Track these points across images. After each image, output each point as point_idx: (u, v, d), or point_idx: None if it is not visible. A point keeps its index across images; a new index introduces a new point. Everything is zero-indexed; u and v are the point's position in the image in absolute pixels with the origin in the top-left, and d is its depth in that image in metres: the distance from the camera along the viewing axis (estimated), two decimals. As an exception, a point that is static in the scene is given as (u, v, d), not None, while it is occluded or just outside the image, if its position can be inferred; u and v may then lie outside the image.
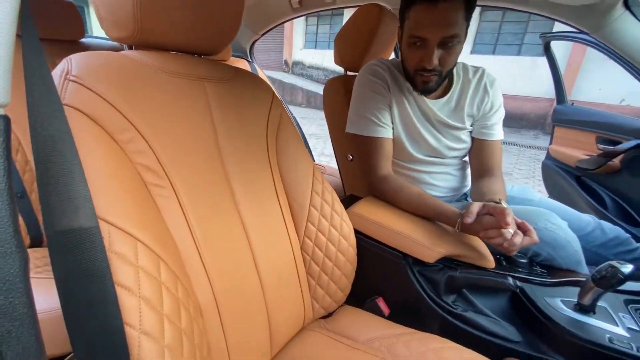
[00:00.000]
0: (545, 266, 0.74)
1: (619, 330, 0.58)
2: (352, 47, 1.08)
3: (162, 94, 0.50)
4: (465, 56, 7.99)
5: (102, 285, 0.33)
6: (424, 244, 0.70)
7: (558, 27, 6.75)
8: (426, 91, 0.83)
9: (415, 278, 0.73)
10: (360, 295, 0.79)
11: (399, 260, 0.74)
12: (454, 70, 0.89)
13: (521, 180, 3.77)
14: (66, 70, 0.42)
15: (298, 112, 7.70)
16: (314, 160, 2.04)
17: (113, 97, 0.43)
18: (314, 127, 6.17)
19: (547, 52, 1.87)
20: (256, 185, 0.63)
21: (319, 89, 9.03)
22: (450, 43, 0.73)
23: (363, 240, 0.79)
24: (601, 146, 1.54)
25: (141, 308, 0.36)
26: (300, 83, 9.49)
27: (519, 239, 0.60)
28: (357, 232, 0.78)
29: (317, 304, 0.73)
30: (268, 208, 0.65)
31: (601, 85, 6.38)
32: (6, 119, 0.21)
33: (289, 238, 0.68)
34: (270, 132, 0.68)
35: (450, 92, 0.88)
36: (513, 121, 7.45)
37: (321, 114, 7.56)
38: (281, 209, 0.68)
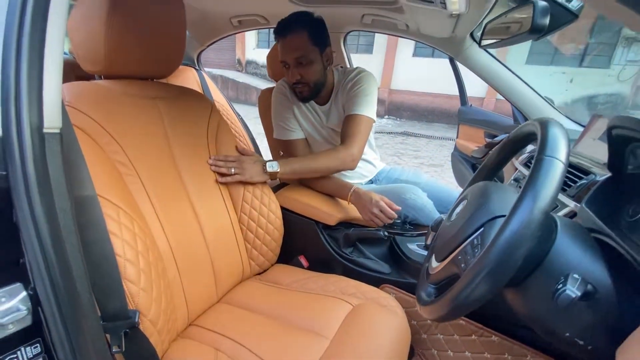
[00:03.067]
0: (413, 224, 1.07)
1: (446, 258, 0.91)
2: (279, 64, 1.33)
3: (127, 111, 0.72)
4: (408, 59, 8.70)
5: (102, 231, 0.55)
6: (326, 212, 0.98)
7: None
8: (304, 99, 1.10)
9: (324, 238, 1.01)
10: (288, 255, 1.06)
11: (312, 227, 1.02)
12: (335, 79, 1.12)
13: (450, 171, 4.30)
14: (62, 97, 0.62)
15: (253, 112, 7.77)
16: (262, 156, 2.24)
17: (96, 116, 0.64)
18: (268, 126, 6.33)
19: (452, 63, 2.28)
20: (201, 176, 0.86)
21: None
22: (302, 62, 1.01)
23: (288, 214, 1.05)
24: (487, 139, 1.96)
25: (124, 246, 0.58)
26: (254, 82, 9.56)
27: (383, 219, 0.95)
28: (283, 208, 1.04)
29: (253, 262, 0.98)
30: (210, 192, 0.89)
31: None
32: (61, 135, 0.43)
33: (228, 214, 0.92)
34: (211, 135, 0.91)
35: (331, 98, 1.14)
36: (451, 118, 8.26)
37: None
38: (221, 192, 0.91)
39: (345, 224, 1.03)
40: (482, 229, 0.45)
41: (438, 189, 1.30)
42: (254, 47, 11.03)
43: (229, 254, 0.91)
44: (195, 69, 1.95)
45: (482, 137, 2.05)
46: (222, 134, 0.94)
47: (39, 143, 0.40)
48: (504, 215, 0.45)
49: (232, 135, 0.98)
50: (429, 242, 0.94)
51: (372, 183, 1.35)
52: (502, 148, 0.60)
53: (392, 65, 8.93)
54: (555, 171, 0.36)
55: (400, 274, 0.94)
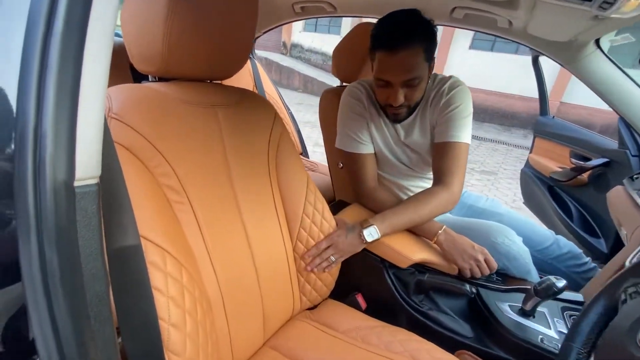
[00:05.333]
0: (501, 274, 0.87)
1: (551, 333, 0.72)
2: (348, 61, 1.15)
3: (181, 123, 0.59)
4: (464, 51, 8.04)
5: (144, 290, 0.43)
6: (399, 252, 0.81)
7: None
8: (397, 121, 0.92)
9: (390, 279, 0.85)
10: (342, 291, 0.91)
11: (377, 264, 0.86)
12: None
13: (505, 181, 3.94)
14: (108, 107, 0.50)
15: (294, 97, 7.67)
16: (306, 152, 2.11)
17: (145, 130, 0.52)
18: (309, 114, 6.18)
19: (535, 65, 1.96)
20: (258, 198, 0.73)
21: (316, 73, 8.96)
22: (412, 83, 0.81)
23: (348, 244, 0.89)
24: (574, 160, 1.67)
25: (169, 305, 0.46)
26: (298, 67, 9.39)
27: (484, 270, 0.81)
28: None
29: (304, 297, 0.85)
30: (267, 216, 0.75)
31: (593, 89, 6.53)
32: (99, 186, 0.30)
33: (283, 242, 0.79)
34: (272, 149, 0.77)
35: (416, 111, 0.93)
36: (504, 119, 7.61)
37: (317, 100, 7.54)
38: (278, 217, 0.78)
39: (418, 266, 0.85)
40: None
41: (521, 224, 1.07)
42: (301, 30, 10.79)
43: (280, 289, 0.78)
44: (249, 57, 1.81)
45: (567, 157, 1.75)
46: (283, 148, 0.80)
47: (66, 204, 0.27)
48: None
49: (293, 148, 0.83)
50: (528, 307, 0.75)
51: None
52: None
53: (446, 57, 8.30)
54: None
55: (484, 340, 0.76)
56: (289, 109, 2.00)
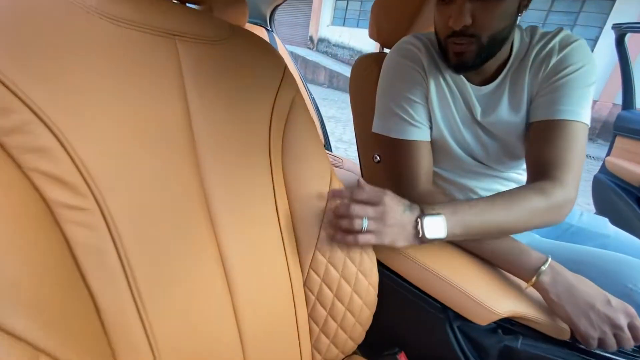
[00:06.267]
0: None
1: None
2: (394, 17, 0.84)
3: (97, 54, 0.30)
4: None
5: None
6: (478, 302, 0.50)
7: (612, 19, 6.08)
8: (461, 67, 0.58)
9: (455, 338, 0.54)
10: (376, 345, 0.61)
11: (435, 312, 0.55)
12: (514, 43, 0.61)
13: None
14: None
15: (319, 93, 7.41)
16: (329, 146, 1.83)
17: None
18: (334, 109, 5.90)
19: (620, 46, 1.57)
20: (247, 197, 0.45)
21: (343, 69, 8.65)
22: None
23: (387, 277, 0.59)
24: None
25: None
26: (324, 62, 9.11)
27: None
28: (379, 263, 0.58)
29: (318, 355, 0.55)
30: (262, 230, 0.47)
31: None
32: None
33: (288, 271, 0.50)
34: (276, 122, 0.48)
35: (502, 74, 0.61)
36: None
37: (343, 96, 7.22)
38: (281, 232, 0.49)
39: (505, 321, 0.53)
40: None
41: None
42: (328, 24, 10.48)
43: (280, 345, 0.49)
44: (267, 29, 1.54)
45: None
46: (294, 124, 0.51)
47: None
48: None
49: (311, 125, 0.54)
50: None
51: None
52: None
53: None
54: None
55: None
56: (311, 94, 1.71)
